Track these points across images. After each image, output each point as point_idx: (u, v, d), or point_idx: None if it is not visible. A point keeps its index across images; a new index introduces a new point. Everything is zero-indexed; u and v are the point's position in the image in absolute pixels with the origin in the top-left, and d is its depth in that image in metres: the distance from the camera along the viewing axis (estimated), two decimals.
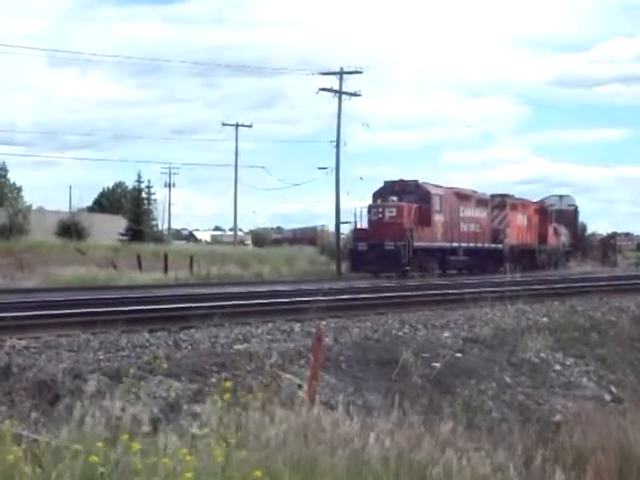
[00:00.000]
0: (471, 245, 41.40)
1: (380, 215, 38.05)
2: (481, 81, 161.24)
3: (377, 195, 39.75)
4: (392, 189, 39.21)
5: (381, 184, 40.45)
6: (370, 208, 39.03)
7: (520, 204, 48.47)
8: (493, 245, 43.51)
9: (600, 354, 14.02)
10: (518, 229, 47.05)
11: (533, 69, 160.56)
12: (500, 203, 45.58)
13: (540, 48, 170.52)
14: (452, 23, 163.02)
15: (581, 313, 17.76)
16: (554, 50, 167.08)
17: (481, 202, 43.78)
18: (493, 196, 45.93)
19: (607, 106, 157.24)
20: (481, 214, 43.26)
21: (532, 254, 47.85)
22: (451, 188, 42.07)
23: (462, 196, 42.06)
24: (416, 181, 39.84)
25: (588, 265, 54.00)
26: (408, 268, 36.16)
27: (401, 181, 39.81)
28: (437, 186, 40.97)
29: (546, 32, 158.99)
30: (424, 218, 38.16)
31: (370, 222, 38.49)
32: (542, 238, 50.07)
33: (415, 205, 38.05)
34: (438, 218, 39.24)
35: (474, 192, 44.47)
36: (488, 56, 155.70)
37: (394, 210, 37.70)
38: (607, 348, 14.44)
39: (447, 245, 39.63)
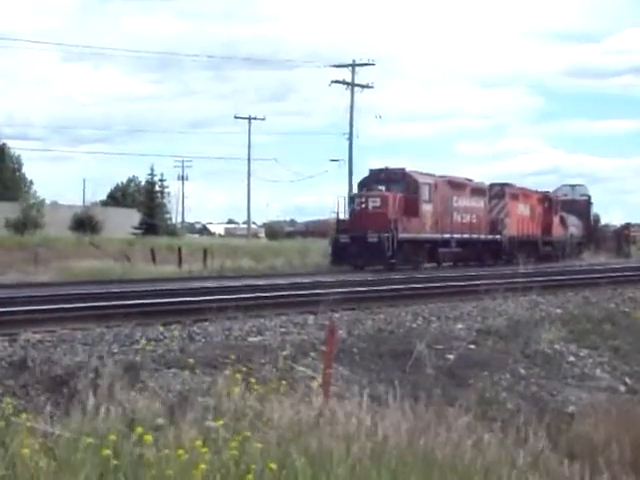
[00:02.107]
0: (465, 236, 39.41)
1: (363, 205, 35.91)
2: (494, 72, 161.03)
3: (362, 184, 38.03)
4: (377, 178, 37.25)
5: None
6: (353, 198, 37.39)
7: (521, 193, 46.46)
8: (490, 236, 41.60)
9: (614, 345, 14.00)
10: (519, 219, 45.08)
11: (546, 60, 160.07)
12: (499, 192, 43.52)
13: (553, 39, 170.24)
14: (464, 14, 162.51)
15: (594, 304, 17.73)
16: (567, 41, 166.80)
17: (477, 191, 41.69)
18: (492, 185, 43.93)
19: (621, 97, 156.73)
20: (477, 204, 41.15)
21: (535, 245, 46.13)
22: (443, 177, 39.97)
23: (455, 185, 40.04)
24: (403, 169, 37.72)
25: (602, 256, 53.53)
26: (393, 261, 34.42)
27: (387, 169, 37.58)
28: (427, 174, 38.88)
29: (559, 23, 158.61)
30: (411, 208, 36.14)
31: (353, 213, 36.59)
32: (546, 229, 48.23)
33: (400, 194, 35.93)
34: (427, 208, 37.25)
35: (469, 181, 42.39)
36: (501, 47, 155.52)
37: (378, 200, 35.66)
38: (621, 339, 14.42)
39: (438, 236, 37.65)
